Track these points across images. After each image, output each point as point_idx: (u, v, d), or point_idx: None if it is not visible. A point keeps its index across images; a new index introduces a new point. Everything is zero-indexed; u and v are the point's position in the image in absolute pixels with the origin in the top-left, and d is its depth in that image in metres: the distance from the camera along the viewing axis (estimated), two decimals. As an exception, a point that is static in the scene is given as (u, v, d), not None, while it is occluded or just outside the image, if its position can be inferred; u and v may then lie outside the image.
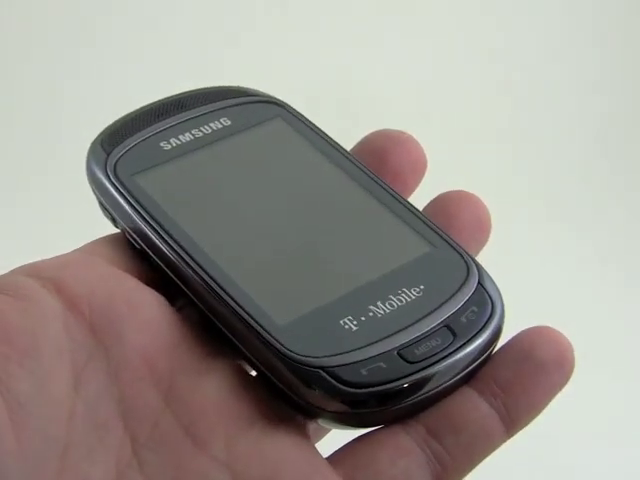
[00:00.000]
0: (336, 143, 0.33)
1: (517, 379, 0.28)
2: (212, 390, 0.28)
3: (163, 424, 0.27)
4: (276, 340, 0.27)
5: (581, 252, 0.71)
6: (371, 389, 0.27)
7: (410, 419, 0.28)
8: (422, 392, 0.27)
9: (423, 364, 0.27)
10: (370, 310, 0.28)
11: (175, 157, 0.32)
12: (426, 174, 0.33)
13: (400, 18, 0.78)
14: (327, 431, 0.31)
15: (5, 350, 0.25)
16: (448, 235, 0.30)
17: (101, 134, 0.33)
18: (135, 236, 0.30)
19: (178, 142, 0.33)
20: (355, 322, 0.28)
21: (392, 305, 0.28)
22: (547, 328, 0.28)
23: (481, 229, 0.32)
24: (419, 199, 0.33)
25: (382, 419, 0.28)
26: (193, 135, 0.33)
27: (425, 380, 0.27)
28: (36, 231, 0.64)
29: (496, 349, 0.29)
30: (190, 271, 0.29)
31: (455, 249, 0.30)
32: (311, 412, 0.27)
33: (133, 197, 0.31)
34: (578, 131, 0.77)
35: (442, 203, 0.32)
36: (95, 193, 0.32)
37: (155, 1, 0.76)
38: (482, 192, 0.34)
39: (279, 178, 0.32)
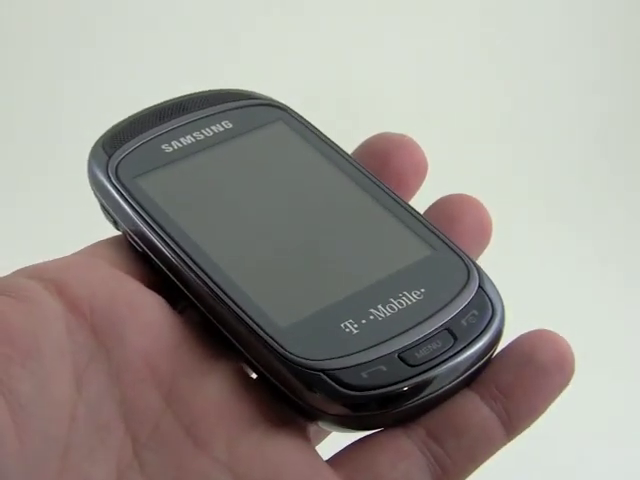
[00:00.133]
0: (337, 146, 0.33)
1: (518, 382, 0.28)
2: (213, 392, 0.28)
3: (164, 425, 0.27)
4: (277, 343, 0.27)
5: (581, 252, 0.71)
6: (372, 392, 0.27)
7: (411, 422, 0.28)
8: (423, 395, 0.27)
9: (424, 367, 0.27)
10: (371, 313, 0.28)
11: (176, 160, 0.32)
12: (428, 174, 0.33)
13: (400, 18, 0.78)
14: (328, 433, 0.31)
15: (7, 351, 0.26)
16: (449, 238, 0.30)
17: (103, 136, 0.33)
18: (136, 238, 0.30)
19: (180, 145, 0.33)
20: (356, 325, 0.28)
21: (393, 308, 0.28)
22: (547, 331, 0.28)
23: (482, 233, 0.32)
24: (419, 201, 0.33)
25: (383, 422, 0.28)
26: (195, 138, 0.33)
27: (426, 383, 0.27)
28: (38, 233, 0.64)
29: (497, 352, 0.29)
30: (191, 273, 0.29)
31: (456, 252, 0.30)
32: (312, 415, 0.28)
33: (135, 199, 0.31)
34: (578, 131, 0.77)
35: (444, 206, 0.32)
36: (97, 195, 0.32)
37: (155, 1, 0.76)
38: (482, 192, 0.34)
39: (280, 181, 0.33)
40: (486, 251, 0.33)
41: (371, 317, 0.28)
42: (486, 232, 0.32)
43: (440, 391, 0.27)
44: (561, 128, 0.77)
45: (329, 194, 0.32)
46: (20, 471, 0.24)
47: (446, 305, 0.28)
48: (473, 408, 0.28)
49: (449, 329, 0.28)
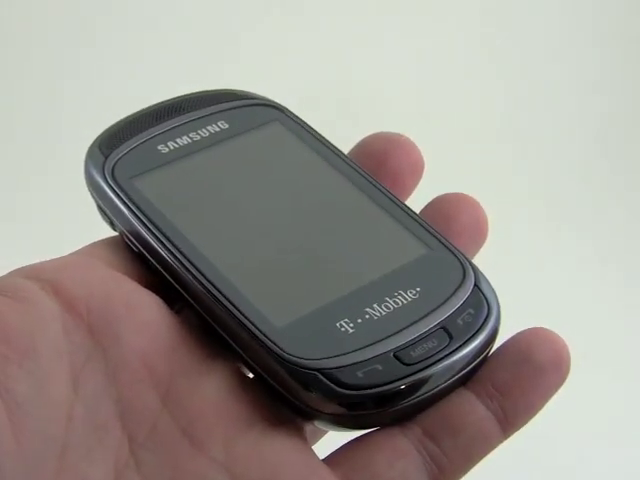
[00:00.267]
0: (333, 146, 0.33)
1: (514, 381, 0.28)
2: (211, 392, 0.28)
3: (161, 425, 0.27)
4: (273, 342, 0.27)
5: (581, 252, 0.71)
6: (368, 391, 0.27)
7: (407, 421, 0.28)
8: (419, 394, 0.27)
9: (419, 366, 0.27)
10: (366, 312, 0.28)
11: (173, 160, 0.32)
12: (426, 174, 0.34)
13: (400, 18, 0.78)
14: (324, 433, 0.31)
15: (4, 351, 0.26)
16: (444, 237, 0.31)
17: (99, 137, 0.33)
18: (133, 239, 0.30)
19: (176, 145, 0.33)
20: (352, 324, 0.28)
21: (388, 307, 0.28)
22: (543, 329, 0.28)
23: (478, 231, 0.32)
24: (419, 200, 0.33)
25: (379, 421, 0.28)
26: (191, 138, 0.33)
27: (421, 382, 0.27)
28: (35, 233, 0.64)
29: (493, 350, 0.29)
30: (187, 274, 0.29)
31: (451, 251, 0.30)
32: (308, 414, 0.28)
33: (131, 200, 0.31)
34: (578, 131, 0.77)
35: (440, 205, 0.32)
36: (93, 196, 0.32)
37: (155, 1, 0.76)
38: (482, 192, 0.34)
39: (277, 181, 0.33)
40: (486, 251, 0.33)
41: (367, 316, 0.28)
42: (482, 231, 0.32)
43: (436, 390, 0.27)
44: (561, 128, 0.76)
45: (325, 194, 0.32)
46: (17, 471, 0.25)
47: (442, 304, 0.28)
48: (469, 407, 0.28)
49: (445, 328, 0.28)
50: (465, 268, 0.30)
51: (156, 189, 0.31)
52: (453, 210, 0.32)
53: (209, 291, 0.29)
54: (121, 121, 0.33)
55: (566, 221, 0.72)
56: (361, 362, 0.27)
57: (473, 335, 0.28)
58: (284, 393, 0.28)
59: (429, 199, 0.33)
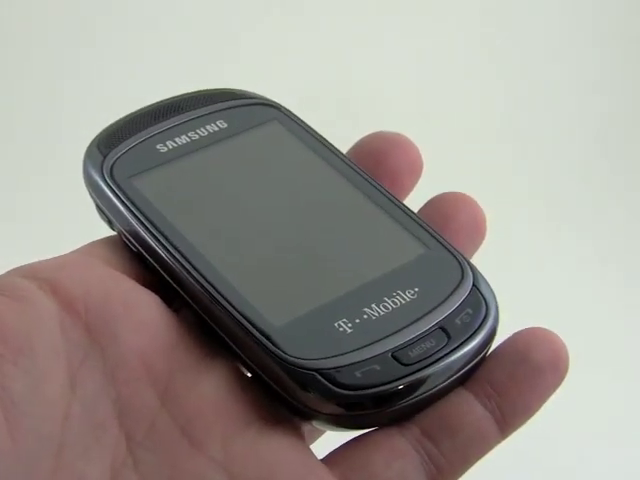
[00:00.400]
0: (332, 145, 0.33)
1: (512, 381, 0.28)
2: (209, 390, 0.28)
3: (159, 424, 0.27)
4: (271, 342, 0.27)
5: (581, 252, 0.71)
6: (366, 391, 0.27)
7: (405, 421, 0.28)
8: (416, 394, 0.27)
9: (417, 366, 0.27)
10: (365, 312, 0.28)
11: (171, 160, 0.32)
12: (426, 174, 0.33)
13: (400, 18, 0.78)
14: (322, 432, 0.31)
15: (0, 350, 0.26)
16: (443, 237, 0.31)
17: (98, 137, 0.33)
18: (131, 238, 0.30)
19: (174, 144, 0.33)
20: (350, 324, 0.28)
21: (387, 307, 0.28)
22: (542, 329, 0.28)
23: (477, 231, 0.32)
24: (419, 200, 0.33)
25: (377, 421, 0.28)
26: (189, 138, 0.33)
27: (419, 382, 0.27)
28: (33, 232, 0.64)
29: (491, 350, 0.29)
30: (186, 273, 0.29)
31: (450, 251, 0.30)
32: (306, 414, 0.28)
33: (129, 199, 0.31)
34: (578, 131, 0.77)
35: (438, 205, 0.32)
36: (92, 196, 0.32)
37: (155, 2, 0.76)
38: (481, 192, 0.34)
39: (275, 180, 0.33)
40: (486, 251, 0.33)
41: (365, 316, 0.28)
42: (480, 230, 0.32)
43: (434, 390, 0.27)
44: (561, 128, 0.76)
45: (323, 193, 0.32)
46: (13, 470, 0.25)
47: (440, 304, 0.28)
48: (467, 407, 0.28)
49: (443, 328, 0.28)
50: (463, 268, 0.29)
51: (154, 188, 0.31)
52: (451, 209, 0.32)
53: (207, 290, 0.29)
54: (120, 120, 0.33)
55: (566, 221, 0.72)
56: (359, 362, 0.27)
57: (471, 335, 0.28)
58: (282, 393, 0.28)
59: (428, 199, 0.33)
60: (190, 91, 0.35)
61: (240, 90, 0.35)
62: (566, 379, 0.28)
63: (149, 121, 0.33)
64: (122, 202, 0.31)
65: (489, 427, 0.28)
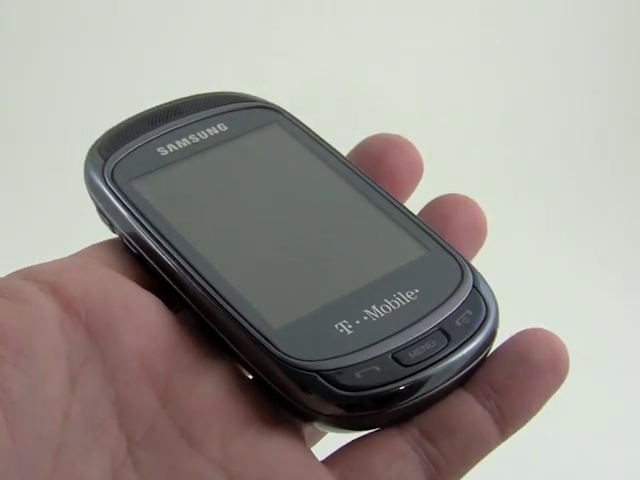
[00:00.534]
0: (332, 147, 0.33)
1: (512, 382, 0.28)
2: (209, 391, 0.28)
3: (159, 425, 0.27)
4: (271, 344, 0.28)
5: (581, 252, 0.71)
6: (366, 392, 0.27)
7: (405, 422, 0.28)
8: (416, 395, 0.27)
9: (417, 367, 0.27)
10: (365, 314, 0.28)
11: (172, 163, 0.32)
12: (425, 174, 0.34)
13: (400, 18, 0.78)
14: (323, 434, 0.31)
15: (0, 351, 0.26)
16: (443, 239, 0.31)
17: (98, 140, 0.33)
18: (132, 241, 0.30)
19: (175, 148, 0.33)
20: (350, 326, 0.28)
21: (387, 309, 0.28)
22: (541, 330, 0.29)
23: (477, 233, 0.32)
24: (419, 201, 0.33)
25: (377, 422, 0.28)
26: (190, 141, 0.33)
27: (419, 383, 0.27)
28: (34, 235, 0.64)
29: (491, 351, 0.29)
30: (186, 275, 0.29)
31: (450, 253, 0.30)
32: (307, 415, 0.28)
33: (130, 202, 0.31)
34: (578, 131, 0.77)
35: (438, 206, 0.32)
36: (93, 198, 0.32)
37: (155, 2, 0.76)
38: (481, 192, 0.34)
39: (275, 183, 0.33)
40: (486, 251, 0.33)
41: (365, 318, 0.28)
42: (480, 232, 0.32)
43: (434, 391, 0.27)
44: (561, 128, 0.77)
45: (323, 196, 0.32)
46: (12, 469, 0.25)
47: (440, 305, 0.29)
48: (467, 408, 0.28)
49: (443, 329, 0.28)
50: (463, 269, 0.30)
51: (155, 191, 0.31)
52: (451, 211, 0.32)
53: (208, 293, 0.29)
54: (121, 124, 0.33)
55: (566, 221, 0.72)
56: (359, 363, 0.27)
57: (471, 336, 0.28)
58: (282, 394, 0.28)
59: (429, 200, 0.33)
60: (191, 94, 0.35)
61: (240, 93, 0.35)
62: (566, 379, 0.28)
63: (150, 124, 0.33)
64: (123, 205, 0.31)
65: (489, 428, 0.28)
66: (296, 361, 0.27)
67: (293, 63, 0.75)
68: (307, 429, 0.29)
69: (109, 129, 0.33)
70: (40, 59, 0.72)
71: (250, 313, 0.28)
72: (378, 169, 0.33)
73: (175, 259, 0.29)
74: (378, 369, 0.27)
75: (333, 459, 0.28)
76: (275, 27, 0.76)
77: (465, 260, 0.30)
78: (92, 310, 0.28)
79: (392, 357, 0.27)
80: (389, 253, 0.30)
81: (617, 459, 0.61)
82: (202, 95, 0.35)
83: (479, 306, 0.29)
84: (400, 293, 0.29)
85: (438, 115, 0.74)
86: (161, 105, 0.34)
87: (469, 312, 0.28)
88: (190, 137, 0.33)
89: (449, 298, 0.29)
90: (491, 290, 0.29)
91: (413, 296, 0.29)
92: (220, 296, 0.29)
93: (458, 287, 0.29)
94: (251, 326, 0.28)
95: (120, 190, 0.31)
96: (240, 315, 0.28)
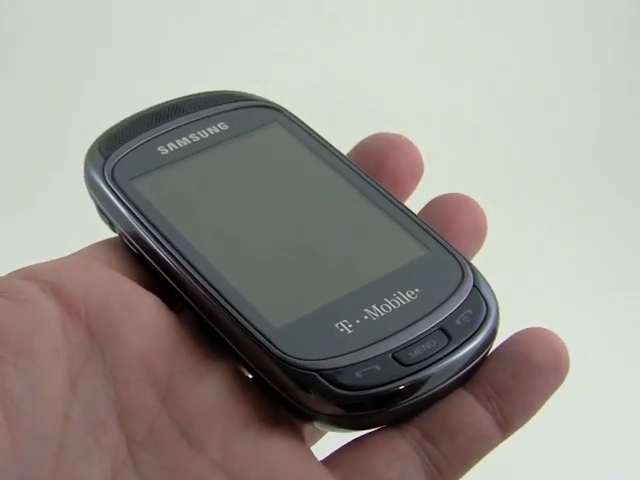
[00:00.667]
0: (332, 147, 0.33)
1: (513, 382, 0.28)
2: (209, 392, 0.28)
3: (159, 425, 0.27)
4: (271, 343, 0.28)
5: (581, 252, 0.71)
6: (366, 392, 0.27)
7: (406, 422, 0.28)
8: (417, 395, 0.27)
9: (418, 367, 0.27)
10: (365, 313, 0.28)
11: (172, 162, 0.32)
12: (424, 174, 0.34)
13: (400, 18, 0.78)
14: (323, 434, 0.31)
15: (0, 351, 0.26)
16: (443, 238, 0.31)
17: (99, 139, 0.33)
18: (132, 240, 0.30)
19: (175, 147, 0.33)
20: (350, 325, 0.28)
21: (387, 308, 0.28)
22: (542, 329, 0.28)
23: (477, 232, 0.32)
24: (419, 201, 0.33)
25: (377, 422, 0.28)
26: (190, 140, 0.33)
27: (420, 383, 0.27)
28: (34, 234, 0.64)
29: (491, 351, 0.29)
30: (186, 275, 0.29)
31: (450, 252, 0.30)
32: (307, 415, 0.28)
33: (130, 201, 0.31)
34: (578, 131, 0.77)
35: (438, 206, 0.32)
36: (93, 197, 0.32)
37: (155, 2, 0.76)
38: (481, 192, 0.34)
39: (276, 182, 0.33)
40: (486, 251, 0.33)
41: (365, 317, 0.28)
42: (481, 231, 0.32)
43: (434, 391, 0.27)
44: (561, 128, 0.77)
45: (324, 195, 0.32)
46: (12, 469, 0.25)
47: (440, 305, 0.28)
48: (467, 408, 0.28)
49: (443, 329, 0.28)
50: (464, 269, 0.30)
51: (156, 190, 0.31)
52: (452, 211, 0.32)
53: (208, 292, 0.29)
54: (121, 122, 0.33)
55: (566, 221, 0.73)
56: (360, 363, 0.27)
57: (472, 336, 0.28)
58: (282, 394, 0.28)
59: (429, 199, 0.33)
60: (191, 93, 0.35)
61: (241, 92, 0.35)
62: (566, 379, 0.28)
63: (150, 123, 0.33)
64: (123, 204, 0.31)
65: (490, 428, 0.28)
66: (296, 360, 0.27)
67: (293, 63, 0.75)
68: (307, 429, 0.29)
69: (109, 128, 0.33)
70: (40, 59, 0.72)
71: (250, 312, 0.28)
72: (378, 168, 0.33)
73: (175, 258, 0.29)
74: (378, 368, 0.27)
75: (333, 459, 0.28)
76: (275, 27, 0.76)
77: (466, 259, 0.30)
78: (93, 310, 0.28)
79: (392, 356, 0.27)
80: (389, 252, 0.30)
81: (617, 459, 0.61)
82: (203, 94, 0.35)
83: (479, 305, 0.29)
84: (400, 292, 0.29)
85: (438, 115, 0.74)
86: (161, 104, 0.34)
87: (469, 311, 0.28)
88: (191, 136, 0.33)
89: (449, 297, 0.29)
90: (491, 289, 0.29)
91: (413, 295, 0.29)
92: (220, 295, 0.29)
93: (458, 286, 0.29)
94: (251, 325, 0.28)
95: (120, 189, 0.31)
96: (240, 314, 0.28)
